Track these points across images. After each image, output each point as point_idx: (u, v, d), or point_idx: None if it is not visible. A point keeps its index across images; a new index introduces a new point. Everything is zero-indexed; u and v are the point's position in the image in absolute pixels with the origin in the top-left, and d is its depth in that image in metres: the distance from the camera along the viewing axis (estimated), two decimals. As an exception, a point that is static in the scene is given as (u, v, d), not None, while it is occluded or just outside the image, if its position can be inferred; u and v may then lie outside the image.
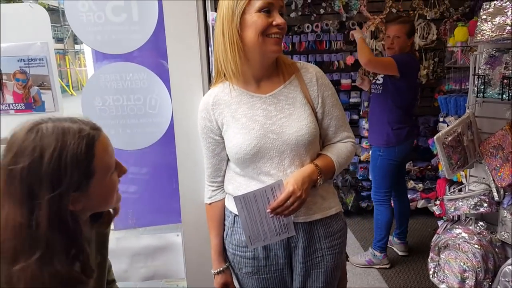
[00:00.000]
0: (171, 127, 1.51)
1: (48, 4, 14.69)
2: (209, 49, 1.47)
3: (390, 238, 3.02)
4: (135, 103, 1.51)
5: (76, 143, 0.82)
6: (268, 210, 1.15)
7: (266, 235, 1.20)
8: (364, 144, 3.56)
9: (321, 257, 1.26)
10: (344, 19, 3.40)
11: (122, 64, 1.48)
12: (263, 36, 1.12)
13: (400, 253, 3.01)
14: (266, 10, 1.11)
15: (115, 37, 1.45)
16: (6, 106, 1.50)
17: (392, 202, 2.88)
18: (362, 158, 3.60)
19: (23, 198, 0.79)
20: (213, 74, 1.35)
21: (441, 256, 1.99)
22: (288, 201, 1.14)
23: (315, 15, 3.39)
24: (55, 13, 16.37)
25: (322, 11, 3.37)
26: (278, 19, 1.11)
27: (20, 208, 0.79)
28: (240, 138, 1.18)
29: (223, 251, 1.34)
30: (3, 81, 1.48)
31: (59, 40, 17.59)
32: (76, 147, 0.82)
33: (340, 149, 1.27)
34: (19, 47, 1.48)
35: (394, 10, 3.38)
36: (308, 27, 3.36)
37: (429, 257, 2.06)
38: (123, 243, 1.61)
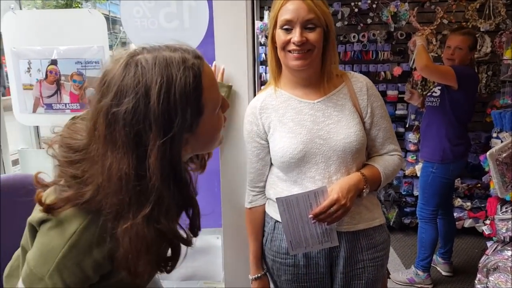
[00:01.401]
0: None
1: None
2: (255, 56, 1.49)
3: (434, 257, 2.88)
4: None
5: (183, 75, 0.70)
6: (311, 216, 1.14)
7: (308, 242, 1.19)
8: (410, 158, 3.44)
9: (362, 268, 1.23)
10: (392, 30, 3.33)
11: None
12: (285, 52, 1.15)
13: (444, 273, 2.86)
14: (286, 28, 1.13)
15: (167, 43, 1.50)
16: (62, 106, 1.60)
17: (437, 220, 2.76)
18: (407, 172, 3.48)
19: (129, 146, 0.68)
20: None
21: (489, 278, 1.89)
22: (332, 209, 1.12)
23: (361, 25, 3.34)
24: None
25: (369, 21, 3.32)
26: (295, 37, 1.12)
27: (126, 157, 0.68)
28: (287, 142, 1.18)
29: (261, 257, 1.33)
30: (61, 82, 1.58)
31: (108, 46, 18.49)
32: (184, 80, 0.69)
33: (387, 161, 1.25)
34: (77, 50, 1.57)
35: (445, 21, 3.27)
36: (354, 36, 3.31)
37: (477, 279, 1.95)
38: (164, 242, 1.65)
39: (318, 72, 1.20)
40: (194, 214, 0.80)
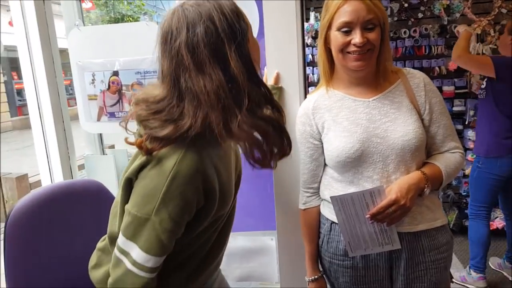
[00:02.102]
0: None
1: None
2: (306, 58, 1.50)
3: (501, 261, 2.72)
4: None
5: (227, 2, 0.89)
6: (368, 216, 1.13)
7: (367, 244, 1.17)
8: (470, 156, 3.27)
9: (424, 270, 1.19)
10: (445, 23, 3.19)
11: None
12: (343, 53, 1.13)
13: (511, 278, 2.68)
14: (345, 30, 1.11)
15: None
16: (124, 114, 1.70)
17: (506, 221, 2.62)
18: (466, 172, 3.30)
19: (213, 61, 0.84)
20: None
21: None
22: (390, 209, 1.10)
23: (412, 20, 3.23)
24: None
25: (420, 15, 3.20)
26: (356, 38, 1.10)
27: (214, 72, 0.84)
28: (342, 141, 1.17)
29: (317, 259, 1.33)
30: (123, 91, 1.68)
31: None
32: (229, 4, 0.89)
33: (449, 159, 1.20)
34: (136, 61, 1.66)
35: (504, 11, 3.08)
36: (405, 32, 3.21)
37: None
38: (220, 243, 1.68)
39: (373, 70, 1.19)
40: (276, 104, 0.95)
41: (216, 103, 0.83)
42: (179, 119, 0.86)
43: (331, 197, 1.16)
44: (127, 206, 0.89)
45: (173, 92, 0.87)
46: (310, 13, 3.25)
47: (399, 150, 1.14)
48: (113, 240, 0.97)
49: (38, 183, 5.01)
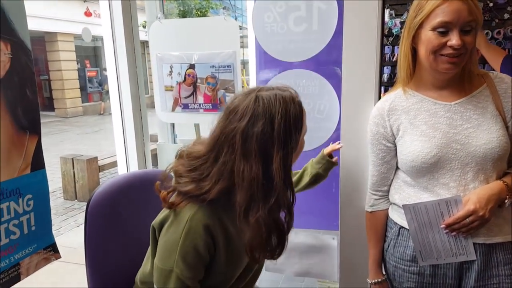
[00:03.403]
0: (336, 132, 1.55)
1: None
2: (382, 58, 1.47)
3: None
4: (305, 107, 1.60)
5: (294, 108, 0.97)
6: (443, 226, 1.09)
7: (439, 253, 1.13)
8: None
9: (497, 284, 1.13)
10: (532, 25, 2.96)
11: (297, 71, 1.59)
12: (435, 55, 1.08)
13: None
14: (441, 31, 1.05)
15: (293, 46, 1.56)
16: (197, 106, 1.77)
17: None
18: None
19: (258, 156, 0.93)
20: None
21: None
22: (467, 220, 1.06)
23: (497, 20, 3.02)
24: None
25: (506, 15, 2.99)
26: (454, 40, 1.04)
27: (256, 164, 0.92)
28: (419, 146, 1.13)
29: (381, 262, 1.31)
30: (197, 84, 1.75)
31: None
32: (295, 111, 0.97)
33: None
34: (211, 55, 1.72)
35: None
36: (487, 33, 3.02)
37: None
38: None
39: (459, 73, 1.13)
40: (292, 211, 1.02)
41: (249, 188, 0.93)
42: (202, 181, 0.97)
43: (403, 206, 1.13)
44: (155, 261, 1.02)
45: (211, 158, 0.97)
46: (385, 10, 3.15)
47: (480, 158, 1.09)
48: (142, 278, 1.15)
49: (106, 166, 5.36)
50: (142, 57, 1.99)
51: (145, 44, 2.18)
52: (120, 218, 1.26)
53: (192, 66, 1.73)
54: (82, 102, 14.40)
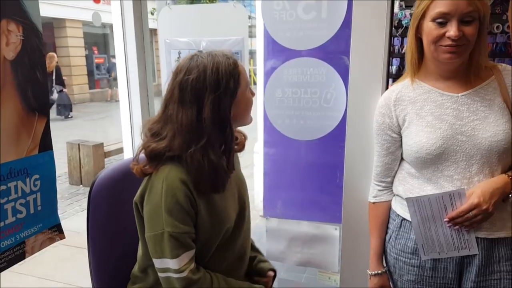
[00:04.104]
0: (342, 122, 1.55)
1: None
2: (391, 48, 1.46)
3: None
4: (311, 96, 1.60)
5: (227, 61, 1.07)
6: (446, 219, 1.10)
7: (442, 247, 1.14)
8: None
9: (497, 280, 1.13)
10: (545, 20, 2.91)
11: (305, 59, 1.59)
12: (435, 46, 1.08)
13: None
14: (440, 21, 1.06)
15: (302, 34, 1.56)
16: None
17: None
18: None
19: (192, 102, 1.04)
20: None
21: None
22: (471, 213, 1.06)
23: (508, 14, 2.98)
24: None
25: (517, 10, 2.95)
26: (452, 31, 1.04)
27: (190, 109, 1.04)
28: (424, 137, 1.13)
29: (382, 254, 1.31)
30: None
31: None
32: (227, 64, 1.07)
33: None
34: (220, 41, 1.72)
35: None
36: (497, 27, 2.98)
37: None
38: (284, 225, 1.72)
39: (465, 64, 1.13)
40: (230, 156, 1.13)
41: (186, 131, 1.04)
42: (162, 138, 1.07)
43: (406, 198, 1.13)
44: (145, 235, 1.08)
45: (162, 117, 1.09)
46: (395, 1, 3.12)
47: (486, 151, 1.09)
48: (139, 262, 1.22)
49: (112, 152, 5.39)
50: (149, 45, 2.00)
51: (152, 32, 2.18)
52: (122, 202, 1.27)
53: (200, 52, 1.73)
54: (90, 89, 14.45)
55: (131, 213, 1.14)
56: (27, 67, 1.23)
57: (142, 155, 1.12)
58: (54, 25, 13.17)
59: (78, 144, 5.12)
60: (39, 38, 1.28)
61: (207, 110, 1.03)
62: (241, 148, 1.26)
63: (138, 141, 1.96)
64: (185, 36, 1.79)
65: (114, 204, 1.27)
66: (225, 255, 1.18)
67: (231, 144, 1.12)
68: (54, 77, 9.79)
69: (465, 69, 1.14)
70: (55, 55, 10.20)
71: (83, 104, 13.34)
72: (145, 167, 1.10)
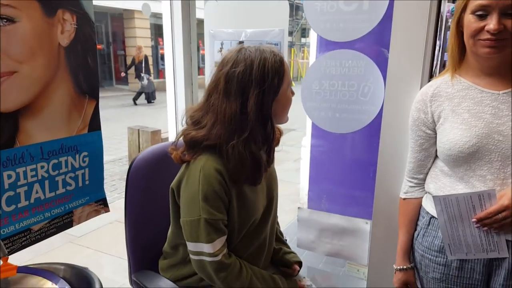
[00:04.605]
0: (378, 116, 1.53)
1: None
2: (437, 43, 1.40)
3: None
4: (348, 89, 1.59)
5: (273, 59, 1.10)
6: (474, 220, 1.06)
7: (469, 248, 1.11)
8: None
9: None
10: None
11: (344, 51, 1.57)
12: (474, 40, 1.04)
13: None
14: (480, 14, 1.01)
15: (342, 25, 1.54)
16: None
17: None
18: None
19: (237, 94, 1.07)
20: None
21: None
22: (500, 215, 1.02)
23: None
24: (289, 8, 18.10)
25: None
26: (491, 25, 0.99)
27: (235, 101, 1.07)
28: (458, 134, 1.10)
29: (410, 250, 1.29)
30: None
31: (288, 33, 19.42)
32: (273, 61, 1.09)
33: None
34: (261, 32, 1.76)
35: None
36: None
37: None
38: (315, 216, 1.73)
39: (509, 60, 1.07)
40: (271, 149, 1.18)
41: (229, 123, 1.07)
42: (202, 126, 1.11)
43: (434, 197, 1.11)
44: (182, 219, 1.13)
45: (205, 106, 1.13)
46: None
47: None
48: (169, 239, 1.29)
49: (168, 139, 5.67)
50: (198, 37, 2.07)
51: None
52: (157, 182, 1.37)
53: (241, 43, 1.78)
54: (154, 78, 15.17)
55: (164, 193, 1.23)
56: (79, 53, 1.36)
57: (181, 140, 1.17)
58: (124, 16, 13.95)
59: (138, 130, 5.44)
60: (91, 27, 1.40)
61: (251, 104, 1.06)
62: (277, 143, 1.27)
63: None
64: (230, 27, 1.84)
65: (149, 184, 1.37)
66: (249, 244, 1.22)
67: (272, 140, 1.14)
68: (143, 66, 10.86)
69: (509, 65, 1.08)
70: (142, 46, 11.27)
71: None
72: (183, 155, 1.15)
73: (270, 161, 1.18)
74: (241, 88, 1.06)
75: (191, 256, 1.13)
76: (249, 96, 1.06)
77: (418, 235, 1.25)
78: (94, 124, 1.47)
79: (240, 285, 1.14)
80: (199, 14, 1.98)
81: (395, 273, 1.32)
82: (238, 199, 1.13)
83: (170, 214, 1.24)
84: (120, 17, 14.03)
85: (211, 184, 1.07)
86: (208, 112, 1.11)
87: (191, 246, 1.12)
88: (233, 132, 1.07)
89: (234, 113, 1.06)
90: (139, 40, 14.16)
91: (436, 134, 1.18)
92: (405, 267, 1.29)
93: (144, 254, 1.38)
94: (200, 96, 2.09)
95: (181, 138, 1.16)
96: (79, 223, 1.47)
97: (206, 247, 1.09)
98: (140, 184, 1.35)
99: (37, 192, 1.29)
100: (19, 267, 1.08)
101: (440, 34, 1.41)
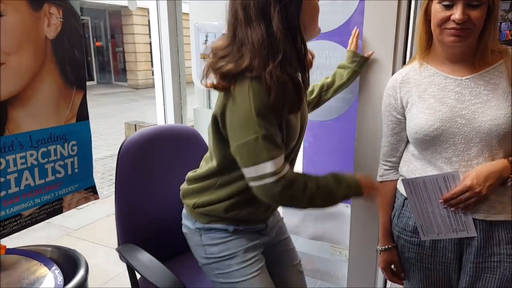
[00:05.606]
0: (355, 103, 1.58)
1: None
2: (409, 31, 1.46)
3: None
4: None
5: None
6: (440, 201, 1.12)
7: (440, 228, 1.16)
8: None
9: (497, 262, 1.13)
10: None
11: (321, 42, 1.62)
12: (440, 29, 1.08)
13: None
14: (446, 4, 1.05)
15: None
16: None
17: None
18: None
19: (259, 17, 0.99)
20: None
21: None
22: (464, 195, 1.08)
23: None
24: None
25: None
26: (456, 15, 1.03)
27: (258, 25, 0.99)
28: (423, 118, 1.15)
29: (391, 230, 1.34)
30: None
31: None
32: None
33: None
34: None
35: None
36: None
37: None
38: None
39: (472, 48, 1.12)
40: (306, 70, 1.10)
41: (259, 49, 0.99)
42: (241, 59, 1.01)
43: (402, 180, 1.16)
44: (234, 146, 1.04)
45: (234, 41, 1.04)
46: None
47: (485, 134, 1.08)
48: (192, 177, 1.23)
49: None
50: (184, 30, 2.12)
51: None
52: (146, 162, 1.43)
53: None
54: (153, 75, 15.17)
55: (153, 171, 1.26)
56: (66, 46, 1.42)
57: None
58: (121, 13, 13.96)
59: (135, 125, 5.50)
60: (77, 20, 1.46)
61: (276, 22, 0.98)
62: (310, 65, 1.21)
63: (171, 117, 2.13)
64: (214, 20, 1.89)
65: (139, 163, 1.42)
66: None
67: (305, 57, 1.07)
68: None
69: (472, 53, 1.13)
70: None
71: (146, 89, 14.09)
72: (225, 83, 1.04)
73: (306, 81, 1.10)
74: (261, 10, 0.99)
75: (252, 184, 1.05)
76: (272, 15, 0.98)
77: (394, 216, 1.31)
78: (82, 114, 1.53)
79: (309, 196, 1.07)
80: (184, 8, 2.03)
81: (380, 253, 1.36)
82: (284, 124, 1.08)
83: (211, 147, 1.18)
84: (118, 14, 14.04)
85: (263, 98, 0.99)
86: (240, 46, 1.02)
87: (251, 171, 1.03)
88: (267, 57, 0.99)
89: (262, 38, 0.98)
90: (137, 37, 14.18)
91: (405, 119, 1.24)
92: (388, 246, 1.33)
93: (132, 230, 1.43)
94: (189, 89, 2.16)
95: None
96: (69, 209, 1.53)
97: (269, 166, 1.01)
98: (129, 163, 1.40)
99: (27, 179, 1.36)
100: (7, 248, 1.14)
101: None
